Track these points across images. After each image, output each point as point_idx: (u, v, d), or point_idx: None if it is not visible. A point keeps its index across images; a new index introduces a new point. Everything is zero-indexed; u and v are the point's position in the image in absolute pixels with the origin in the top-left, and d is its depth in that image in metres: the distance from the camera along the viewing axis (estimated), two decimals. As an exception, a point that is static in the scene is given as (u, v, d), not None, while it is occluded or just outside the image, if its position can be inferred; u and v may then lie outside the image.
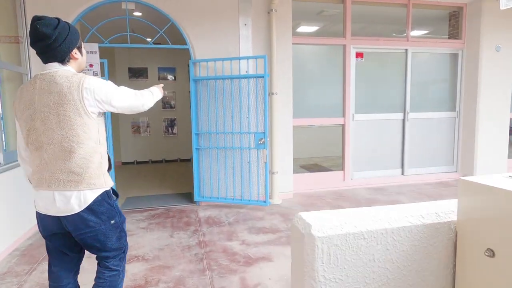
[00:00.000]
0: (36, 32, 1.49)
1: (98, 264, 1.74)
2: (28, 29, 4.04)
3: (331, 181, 5.35)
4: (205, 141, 4.49)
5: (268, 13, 4.51)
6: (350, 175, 5.43)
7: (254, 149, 4.36)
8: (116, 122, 7.71)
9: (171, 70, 7.96)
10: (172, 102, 8.00)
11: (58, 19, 1.55)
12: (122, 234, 1.72)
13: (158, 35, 4.36)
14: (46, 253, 1.76)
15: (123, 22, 4.27)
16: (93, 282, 1.73)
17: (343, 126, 5.34)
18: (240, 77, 4.27)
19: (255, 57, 4.21)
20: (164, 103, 7.97)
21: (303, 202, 4.70)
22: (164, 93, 1.99)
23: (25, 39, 3.92)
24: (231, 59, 4.24)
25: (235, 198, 4.50)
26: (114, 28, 4.37)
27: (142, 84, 7.80)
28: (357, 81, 5.32)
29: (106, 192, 1.62)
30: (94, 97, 1.53)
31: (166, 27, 4.33)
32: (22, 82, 3.97)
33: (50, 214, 1.57)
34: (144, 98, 1.73)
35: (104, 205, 1.59)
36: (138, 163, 8.00)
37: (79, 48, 1.64)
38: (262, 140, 4.19)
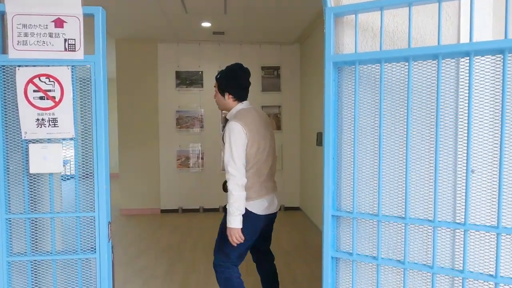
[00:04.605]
0: (249, 76, 2.15)
1: (265, 254, 2.29)
2: None
3: None
4: (362, 241, 1.59)
5: None
6: None
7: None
8: (156, 151, 5.20)
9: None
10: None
11: None
12: None
13: None
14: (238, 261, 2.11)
15: None
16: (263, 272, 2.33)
17: None
18: (477, 52, 1.28)
19: None
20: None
21: None
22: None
23: None
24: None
25: None
26: None
27: (196, 93, 5.25)
28: None
29: None
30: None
31: None
32: None
33: (270, 212, 2.09)
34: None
35: None
36: (184, 211, 5.37)
37: None
38: None
